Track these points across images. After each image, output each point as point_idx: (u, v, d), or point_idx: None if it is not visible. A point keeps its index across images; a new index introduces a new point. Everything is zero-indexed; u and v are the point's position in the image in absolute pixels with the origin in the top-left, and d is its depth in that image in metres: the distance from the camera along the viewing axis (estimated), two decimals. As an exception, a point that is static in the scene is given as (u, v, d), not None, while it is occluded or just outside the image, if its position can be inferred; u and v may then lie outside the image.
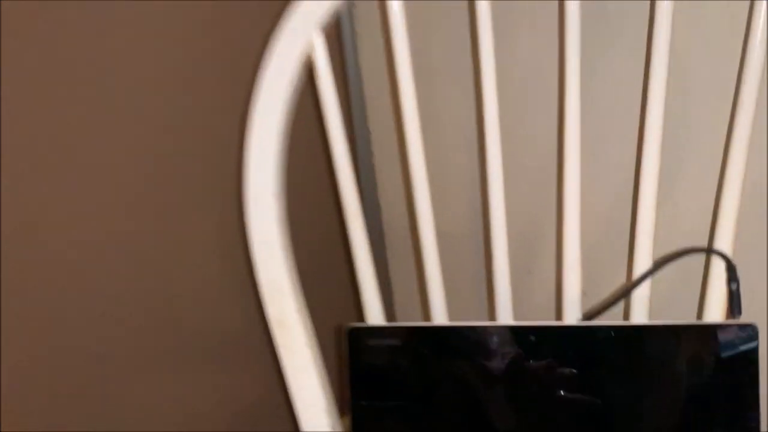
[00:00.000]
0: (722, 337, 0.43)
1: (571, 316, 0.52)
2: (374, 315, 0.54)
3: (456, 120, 0.68)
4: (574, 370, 0.45)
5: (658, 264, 0.48)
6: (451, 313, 0.56)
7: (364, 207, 0.76)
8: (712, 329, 0.44)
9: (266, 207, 0.48)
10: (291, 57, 0.47)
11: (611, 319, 0.52)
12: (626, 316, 0.52)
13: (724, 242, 0.48)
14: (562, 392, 0.46)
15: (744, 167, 0.47)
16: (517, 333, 0.46)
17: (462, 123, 0.67)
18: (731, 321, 0.44)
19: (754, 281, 0.57)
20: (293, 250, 0.51)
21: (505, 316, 0.54)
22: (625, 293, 0.48)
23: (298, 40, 0.47)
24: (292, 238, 0.51)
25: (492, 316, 0.55)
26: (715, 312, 0.49)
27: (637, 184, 0.50)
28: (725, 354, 0.43)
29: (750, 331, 0.43)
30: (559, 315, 0.54)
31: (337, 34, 0.73)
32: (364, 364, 0.47)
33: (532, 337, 0.47)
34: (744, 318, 0.46)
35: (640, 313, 0.51)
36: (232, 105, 0.60)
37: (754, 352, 0.43)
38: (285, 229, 0.49)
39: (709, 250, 0.46)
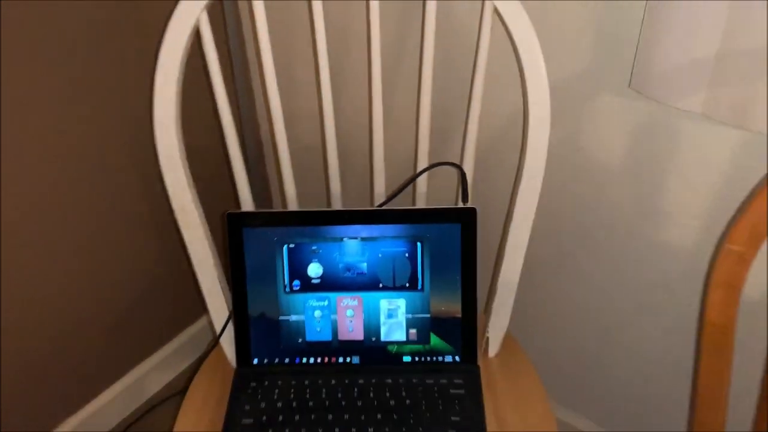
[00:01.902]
0: (455, 215, 0.72)
1: (377, 203, 0.80)
2: (246, 206, 0.79)
3: (308, 66, 0.92)
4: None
5: (420, 172, 0.77)
6: (304, 201, 0.83)
7: (245, 125, 1.00)
8: (447, 210, 0.72)
9: (169, 131, 0.71)
10: (184, 28, 0.68)
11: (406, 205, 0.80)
12: (414, 202, 0.81)
13: (468, 157, 0.76)
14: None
15: (480, 98, 0.74)
16: (339, 215, 0.73)
17: (311, 68, 0.92)
18: (458, 206, 0.73)
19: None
20: (189, 162, 0.75)
21: (337, 205, 0.82)
22: (401, 188, 0.76)
23: (189, 17, 0.68)
24: (189, 154, 0.74)
25: (329, 204, 0.83)
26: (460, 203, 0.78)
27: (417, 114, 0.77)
28: (455, 226, 0.72)
29: (471, 212, 0.72)
30: (372, 202, 0.82)
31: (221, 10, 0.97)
32: (239, 242, 0.73)
33: (350, 216, 0.74)
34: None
35: (420, 201, 0.80)
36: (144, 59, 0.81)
37: (473, 226, 0.72)
38: (182, 146, 0.72)
39: (450, 163, 0.74)
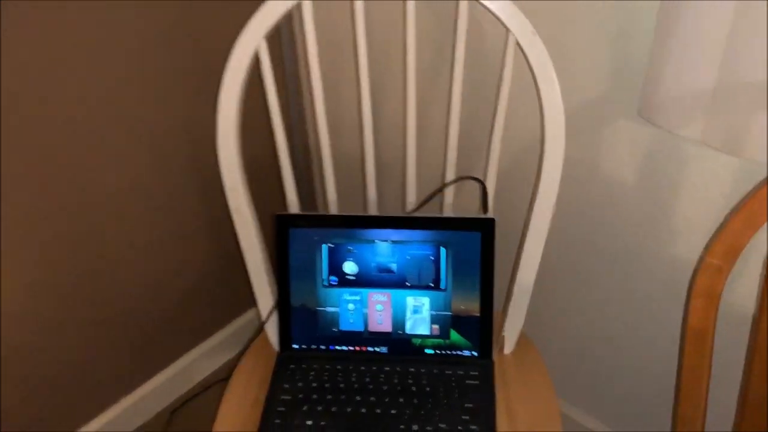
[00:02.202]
0: (475, 224, 0.81)
1: (407, 211, 0.90)
2: (293, 208, 0.89)
3: (353, 85, 1.02)
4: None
5: (446, 184, 0.86)
6: (344, 206, 0.93)
7: (294, 136, 1.11)
8: (469, 219, 0.81)
9: (229, 141, 0.82)
10: (246, 55, 0.79)
11: (435, 213, 0.89)
12: (441, 211, 0.90)
13: (491, 172, 0.85)
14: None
15: (503, 120, 0.82)
16: (373, 220, 0.83)
17: (354, 88, 1.02)
18: (479, 215, 0.82)
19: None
20: (245, 170, 0.85)
21: (372, 211, 0.91)
22: (428, 198, 0.86)
23: (250, 46, 0.79)
24: (245, 163, 0.85)
25: (365, 209, 0.93)
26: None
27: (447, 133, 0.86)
28: (476, 233, 0.81)
29: (490, 222, 0.81)
30: (404, 209, 0.91)
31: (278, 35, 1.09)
32: (285, 241, 0.83)
33: (383, 221, 0.83)
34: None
35: (447, 210, 0.89)
36: (208, 81, 0.93)
37: (492, 234, 0.81)
38: (240, 155, 0.83)
39: (472, 178, 0.83)
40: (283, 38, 1.12)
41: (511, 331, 0.88)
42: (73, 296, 1.10)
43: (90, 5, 0.93)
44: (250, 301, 1.02)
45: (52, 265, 1.04)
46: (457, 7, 0.79)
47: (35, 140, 0.95)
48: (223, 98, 0.80)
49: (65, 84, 0.95)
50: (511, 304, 0.86)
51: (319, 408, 0.79)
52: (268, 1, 0.77)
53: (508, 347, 0.89)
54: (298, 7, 0.79)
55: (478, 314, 0.84)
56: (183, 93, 1.11)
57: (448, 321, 0.84)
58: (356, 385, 0.82)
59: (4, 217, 0.95)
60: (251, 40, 0.79)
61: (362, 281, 0.84)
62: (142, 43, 1.02)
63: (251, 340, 0.91)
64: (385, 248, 0.83)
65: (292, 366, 0.85)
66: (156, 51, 1.05)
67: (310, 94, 0.86)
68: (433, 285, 0.84)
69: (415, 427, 0.76)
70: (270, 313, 0.88)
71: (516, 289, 0.86)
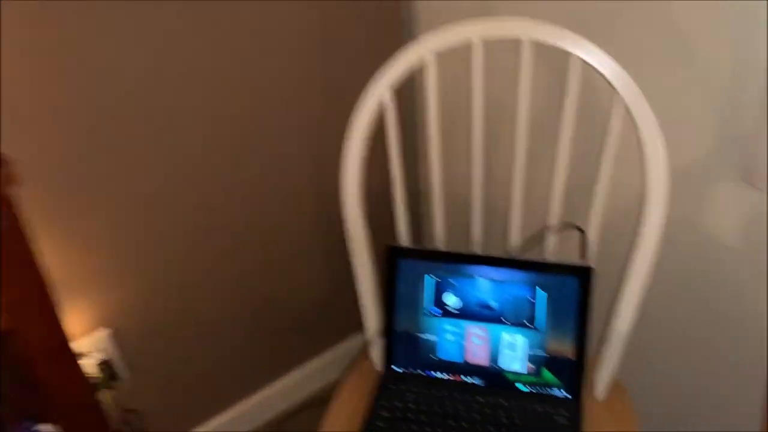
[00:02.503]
0: (574, 270, 0.85)
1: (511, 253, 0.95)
2: (403, 241, 0.98)
3: (466, 134, 1.10)
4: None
5: (546, 228, 0.91)
6: (449, 242, 1.00)
7: (409, 177, 1.20)
8: (568, 266, 0.86)
9: (353, 180, 0.92)
10: (372, 103, 0.89)
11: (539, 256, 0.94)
12: (544, 254, 0.95)
13: (593, 220, 0.89)
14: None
15: (609, 174, 0.87)
16: (477, 258, 0.90)
17: (467, 134, 1.09)
18: (578, 262, 0.87)
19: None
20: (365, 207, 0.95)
21: (477, 250, 0.98)
22: (529, 242, 0.91)
23: (376, 95, 0.89)
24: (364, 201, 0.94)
25: (470, 247, 0.99)
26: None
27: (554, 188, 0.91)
28: (574, 279, 0.85)
29: (588, 270, 0.85)
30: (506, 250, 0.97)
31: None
32: (394, 271, 0.92)
33: (486, 260, 0.90)
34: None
35: (550, 254, 0.94)
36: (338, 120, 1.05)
37: (590, 282, 0.85)
38: (361, 191, 0.93)
39: (572, 225, 0.88)
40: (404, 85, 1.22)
41: (603, 376, 0.91)
42: (200, 309, 1.24)
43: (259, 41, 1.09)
44: (357, 326, 1.11)
45: (184, 280, 1.19)
46: (568, 65, 0.85)
47: (182, 158, 1.10)
48: (351, 139, 0.91)
49: (215, 99, 1.11)
50: (605, 351, 0.89)
51: (414, 428, 0.86)
52: (398, 56, 0.87)
53: (600, 392, 0.91)
54: (421, 61, 0.88)
55: (572, 356, 0.87)
56: (314, 128, 1.23)
57: (541, 360, 0.89)
58: (450, 412, 0.87)
59: (153, 230, 1.11)
60: (378, 91, 0.89)
61: (462, 314, 0.91)
62: (285, 83, 1.16)
63: (357, 359, 1.00)
64: (486, 285, 0.89)
65: (392, 386, 0.92)
66: (298, 90, 1.18)
67: (427, 142, 0.94)
68: (529, 324, 0.88)
69: (502, 457, 0.81)
70: (375, 335, 0.97)
71: (611, 337, 0.89)
